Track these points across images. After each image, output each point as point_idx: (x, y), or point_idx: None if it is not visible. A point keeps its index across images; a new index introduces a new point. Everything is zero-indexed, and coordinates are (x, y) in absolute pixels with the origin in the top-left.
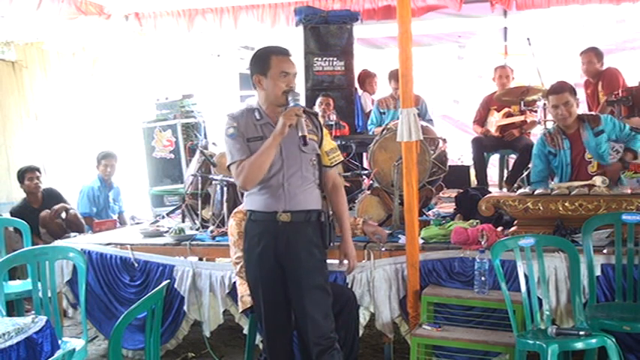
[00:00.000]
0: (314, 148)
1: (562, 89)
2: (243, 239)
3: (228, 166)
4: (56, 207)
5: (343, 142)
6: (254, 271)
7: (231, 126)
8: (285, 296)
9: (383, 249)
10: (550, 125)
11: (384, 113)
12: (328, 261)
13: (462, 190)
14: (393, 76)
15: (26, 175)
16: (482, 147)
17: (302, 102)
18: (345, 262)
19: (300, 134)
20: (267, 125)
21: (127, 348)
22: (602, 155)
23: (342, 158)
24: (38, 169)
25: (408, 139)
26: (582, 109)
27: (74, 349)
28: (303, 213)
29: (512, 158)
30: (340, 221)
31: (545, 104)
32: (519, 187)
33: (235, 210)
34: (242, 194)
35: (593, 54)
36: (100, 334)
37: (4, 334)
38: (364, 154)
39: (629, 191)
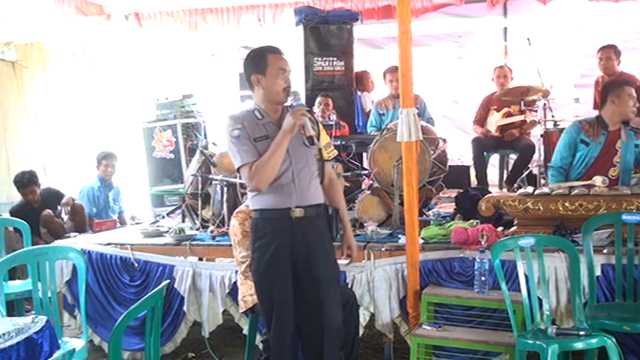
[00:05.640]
0: (315, 142)
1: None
2: (250, 238)
3: (238, 169)
4: (64, 200)
5: (343, 142)
6: (266, 270)
7: (235, 127)
8: (294, 295)
9: (383, 249)
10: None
11: (383, 114)
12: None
13: (462, 190)
14: (389, 70)
15: (22, 190)
16: (483, 147)
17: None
18: (347, 252)
19: (307, 134)
20: (269, 124)
21: (122, 349)
22: (628, 164)
23: (337, 152)
24: (35, 182)
25: (408, 139)
26: (589, 106)
27: (74, 349)
28: (314, 207)
29: (513, 158)
30: (340, 214)
31: (545, 104)
32: (519, 187)
33: (237, 210)
34: (242, 194)
35: (612, 51)
36: (95, 335)
37: (4, 334)
38: (364, 154)
39: (629, 191)
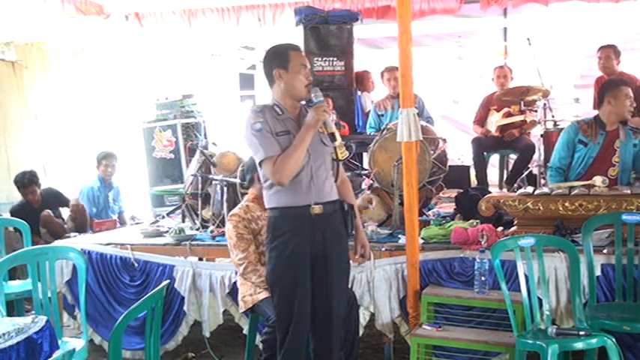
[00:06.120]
0: (336, 139)
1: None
2: (268, 237)
3: (260, 163)
4: (73, 201)
5: (343, 142)
6: (284, 270)
7: (257, 121)
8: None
9: (383, 249)
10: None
11: (382, 115)
12: None
13: (462, 190)
14: (386, 70)
15: (22, 190)
16: (483, 147)
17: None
18: (361, 252)
19: (329, 131)
20: (288, 120)
21: (124, 348)
22: (627, 164)
23: (349, 154)
24: (35, 182)
25: (408, 139)
26: (589, 106)
27: (74, 349)
28: (331, 204)
29: (513, 158)
30: (355, 212)
31: (545, 104)
32: (519, 187)
33: (231, 213)
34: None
35: (611, 50)
36: (96, 334)
37: (4, 334)
38: (364, 154)
39: (629, 191)
